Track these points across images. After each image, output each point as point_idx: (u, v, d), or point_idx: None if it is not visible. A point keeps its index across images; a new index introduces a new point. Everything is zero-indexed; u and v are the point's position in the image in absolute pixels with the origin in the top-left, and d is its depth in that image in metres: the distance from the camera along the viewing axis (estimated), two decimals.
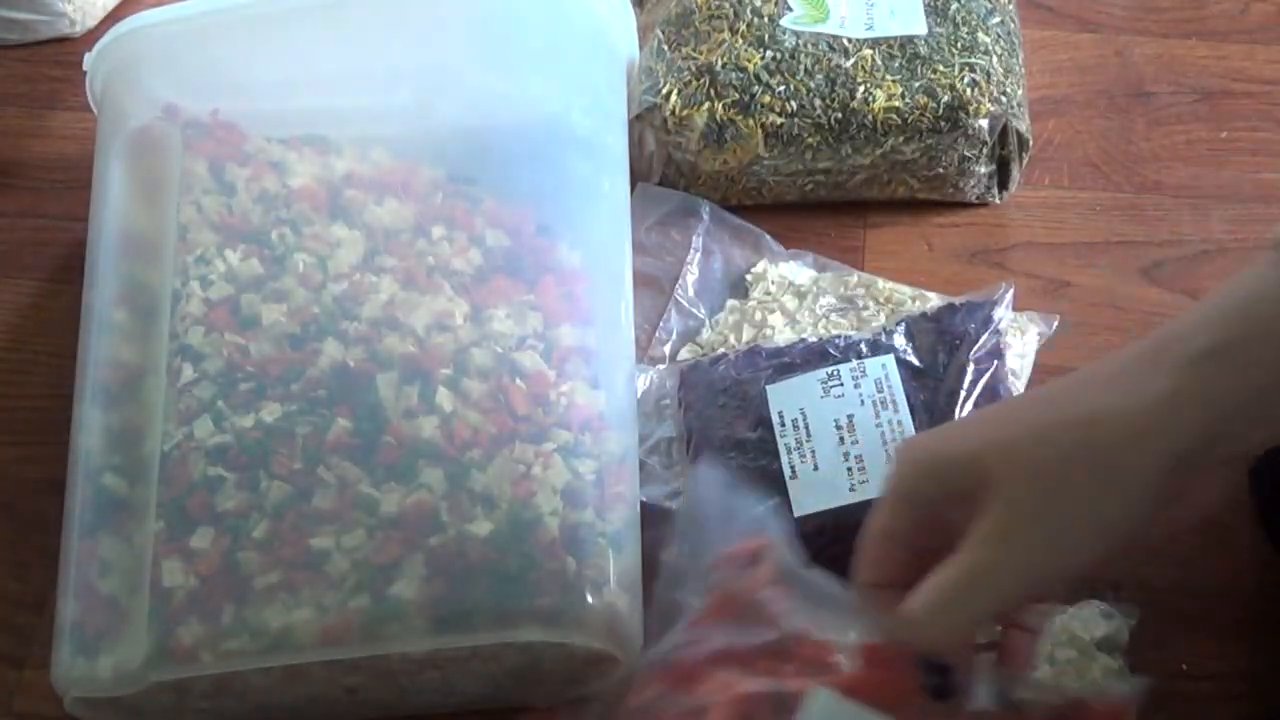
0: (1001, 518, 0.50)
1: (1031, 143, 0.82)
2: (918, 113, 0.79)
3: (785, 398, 0.69)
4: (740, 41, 0.81)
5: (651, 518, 0.69)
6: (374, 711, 0.68)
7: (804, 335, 0.74)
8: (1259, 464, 0.70)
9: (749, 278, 0.79)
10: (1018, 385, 0.73)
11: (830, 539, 0.65)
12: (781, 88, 0.79)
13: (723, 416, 0.70)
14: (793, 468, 0.68)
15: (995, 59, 0.81)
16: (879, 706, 0.54)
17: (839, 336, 0.72)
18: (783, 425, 0.69)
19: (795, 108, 0.79)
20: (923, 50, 0.80)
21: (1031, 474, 0.51)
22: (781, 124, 0.79)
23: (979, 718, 0.54)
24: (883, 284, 0.77)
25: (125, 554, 0.64)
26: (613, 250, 0.74)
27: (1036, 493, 0.50)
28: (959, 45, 0.81)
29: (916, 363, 0.69)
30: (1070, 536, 0.51)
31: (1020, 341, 0.74)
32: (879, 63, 0.80)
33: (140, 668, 0.61)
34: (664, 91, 0.80)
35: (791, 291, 0.78)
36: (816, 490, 0.66)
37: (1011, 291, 0.73)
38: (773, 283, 0.78)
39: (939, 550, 0.52)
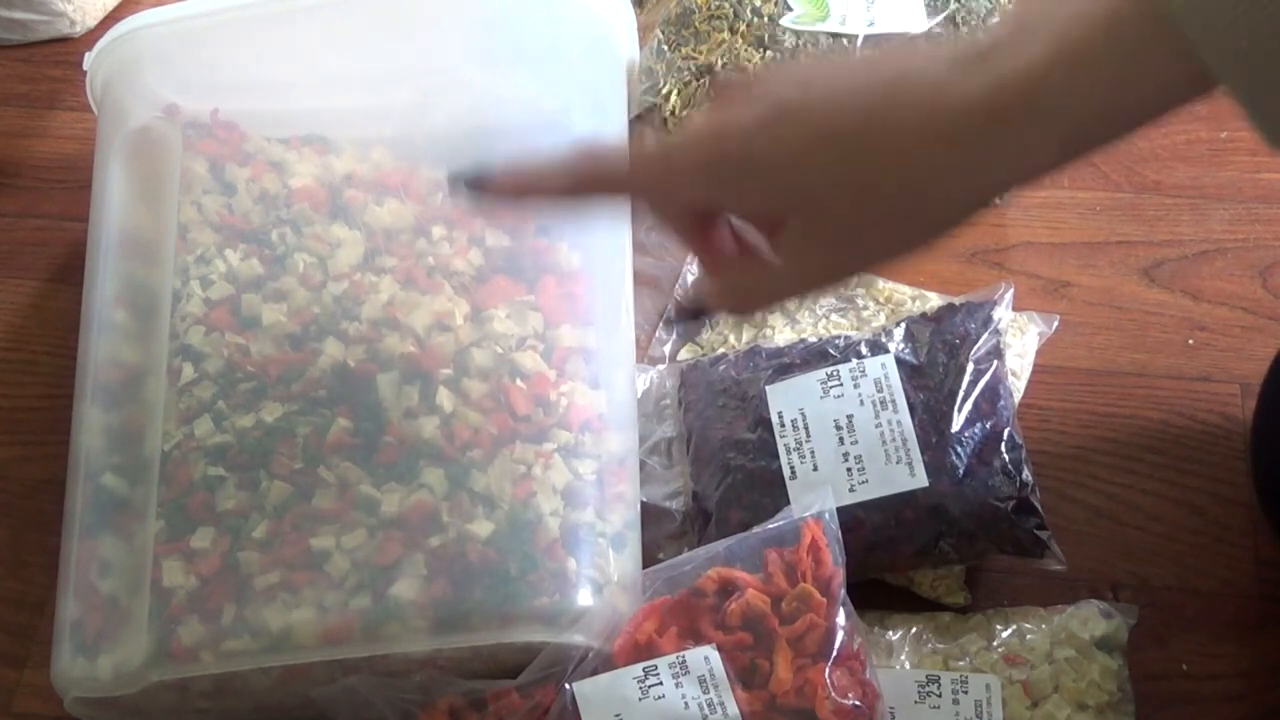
0: None
1: None
2: None
3: (785, 398, 0.69)
4: (740, 41, 0.81)
5: (651, 517, 0.69)
6: None
7: (804, 335, 0.74)
8: (1257, 444, 0.70)
9: None
10: (1018, 385, 0.73)
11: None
12: None
13: (722, 416, 0.70)
14: (792, 468, 0.68)
15: None
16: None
17: (839, 336, 0.72)
18: (782, 425, 0.69)
19: None
20: None
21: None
22: None
23: None
24: (883, 284, 0.77)
25: (125, 554, 0.64)
26: (613, 250, 0.74)
27: None
28: None
29: (916, 363, 0.69)
30: None
31: (1020, 341, 0.74)
32: None
33: (140, 668, 0.61)
34: (664, 91, 0.80)
35: None
36: (816, 490, 0.66)
37: (1011, 291, 0.73)
38: None
39: None
